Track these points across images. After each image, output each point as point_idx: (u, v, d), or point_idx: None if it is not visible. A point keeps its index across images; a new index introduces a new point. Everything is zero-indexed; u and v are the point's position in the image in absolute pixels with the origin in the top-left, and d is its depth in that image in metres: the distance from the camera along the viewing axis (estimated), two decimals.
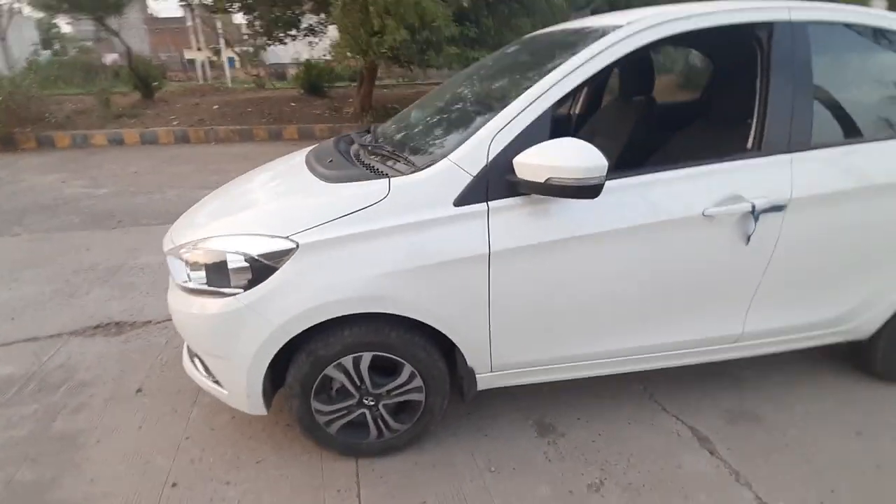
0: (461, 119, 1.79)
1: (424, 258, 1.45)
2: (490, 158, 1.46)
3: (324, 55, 11.23)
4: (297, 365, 1.55)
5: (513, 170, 1.43)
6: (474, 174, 1.46)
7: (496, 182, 1.46)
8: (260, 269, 1.44)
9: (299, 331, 1.47)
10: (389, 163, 1.67)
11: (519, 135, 1.46)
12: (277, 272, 1.43)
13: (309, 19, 7.84)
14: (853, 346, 2.07)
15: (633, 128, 2.30)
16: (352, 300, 1.45)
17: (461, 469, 1.72)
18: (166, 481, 1.67)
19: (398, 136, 1.94)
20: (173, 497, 1.61)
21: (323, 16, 7.92)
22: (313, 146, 2.23)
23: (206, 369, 1.67)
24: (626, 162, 2.00)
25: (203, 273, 1.53)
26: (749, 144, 1.68)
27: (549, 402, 2.02)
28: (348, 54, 5.97)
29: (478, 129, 1.50)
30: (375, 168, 1.64)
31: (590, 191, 1.32)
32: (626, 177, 1.55)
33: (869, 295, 1.88)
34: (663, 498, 1.61)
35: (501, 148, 1.46)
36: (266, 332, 1.46)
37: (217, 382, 1.64)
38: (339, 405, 1.64)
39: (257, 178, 2.05)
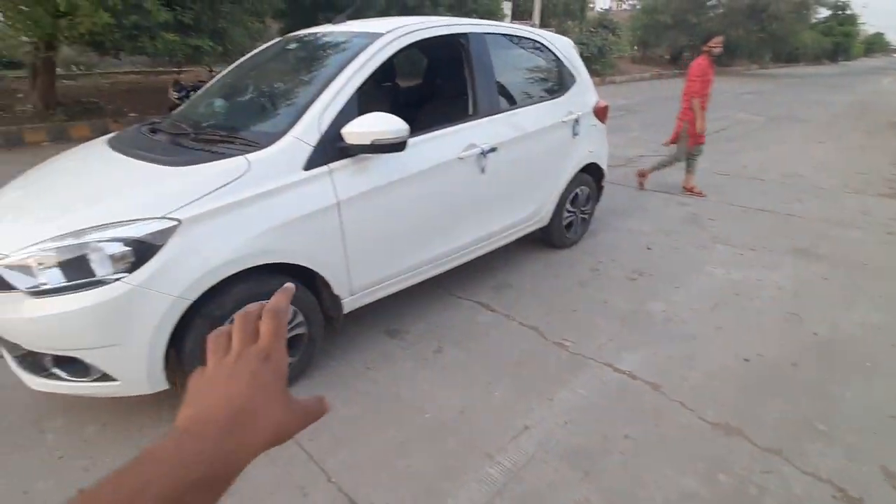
0: (278, 103, 2.17)
1: (291, 213, 1.86)
2: (322, 131, 1.95)
3: None
4: (194, 330, 1.73)
5: (341, 138, 1.96)
6: (313, 144, 1.93)
7: (331, 148, 1.97)
8: (143, 250, 1.58)
9: (197, 296, 1.68)
10: (224, 144, 1.94)
11: (339, 112, 1.99)
12: (163, 249, 1.60)
13: None
14: (543, 230, 3.41)
15: (389, 104, 3.05)
16: (241, 258, 1.74)
17: (347, 375, 2.23)
18: (66, 494, 1.61)
19: (219, 121, 2.16)
20: None
21: None
22: (109, 137, 2.19)
23: (78, 371, 1.66)
24: None
25: (58, 271, 1.54)
26: (470, 111, 2.63)
27: (388, 316, 2.68)
28: (24, 38, 4.82)
29: (306, 109, 1.95)
30: (216, 150, 1.89)
31: (400, 146, 1.98)
32: (412, 137, 2.26)
33: (543, 198, 3.18)
34: (476, 341, 2.50)
35: (328, 123, 1.97)
36: (164, 305, 1.62)
37: (103, 377, 1.66)
38: None
39: (62, 175, 1.93)
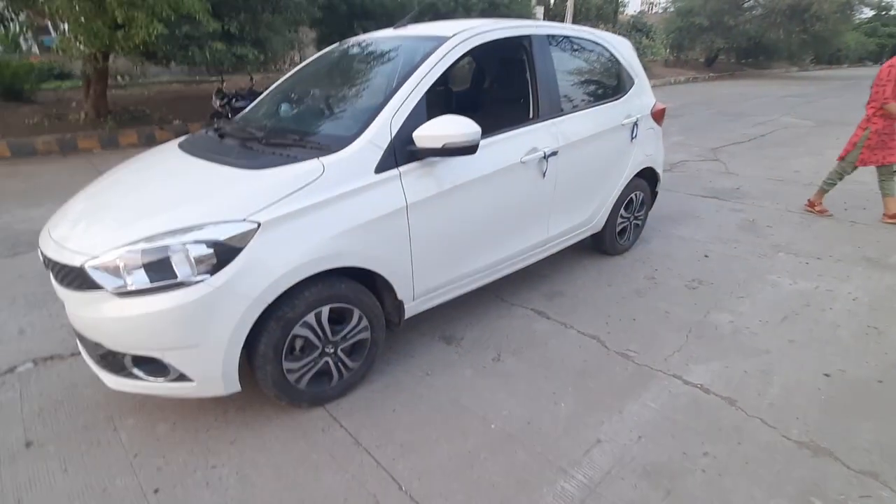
0: (348, 106, 2.17)
1: (363, 216, 1.85)
2: (393, 135, 1.93)
3: (4, 49, 8.77)
4: (268, 332, 1.73)
5: (412, 141, 1.94)
6: (384, 147, 1.91)
7: (401, 152, 1.95)
8: (225, 252, 1.58)
9: (274, 298, 1.67)
10: (296, 148, 1.95)
11: (409, 115, 1.97)
12: (243, 251, 1.61)
13: None
14: (594, 237, 3.32)
15: (447, 108, 3.02)
16: (316, 260, 1.73)
17: (407, 381, 2.20)
18: (143, 492, 1.63)
19: (288, 126, 2.17)
20: (163, 500, 1.61)
21: (7, 2, 6.24)
22: (180, 141, 2.23)
23: (156, 371, 1.67)
24: None
25: (143, 273, 1.56)
26: (532, 114, 2.58)
27: (443, 322, 2.64)
28: (82, 48, 5.03)
29: (377, 112, 1.94)
30: (289, 154, 1.90)
31: (472, 149, 1.94)
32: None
33: (600, 202, 3.10)
34: (535, 350, 2.44)
35: (399, 126, 1.95)
36: (243, 307, 1.62)
37: (180, 378, 1.67)
38: (307, 359, 1.89)
39: (140, 178, 1.98)
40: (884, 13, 32.94)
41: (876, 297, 2.96)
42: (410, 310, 2.20)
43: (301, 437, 1.88)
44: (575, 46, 2.92)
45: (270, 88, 2.72)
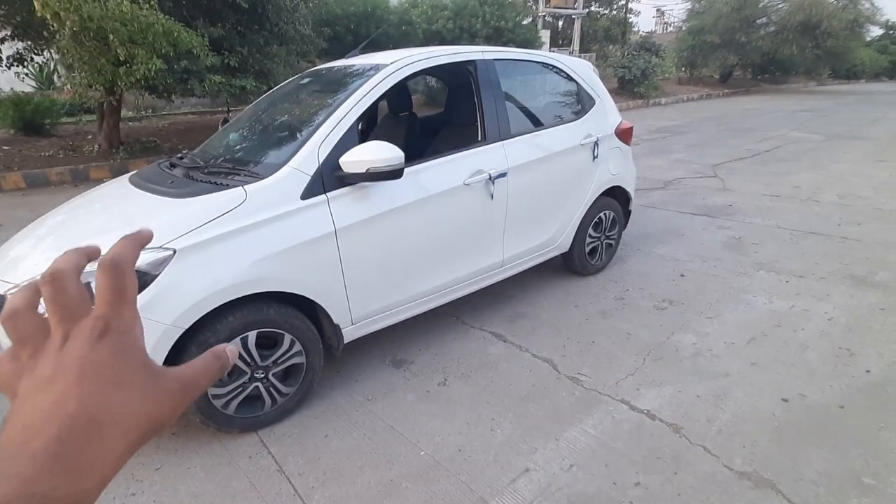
0: (283, 135, 2.24)
1: (287, 242, 1.88)
2: (320, 161, 1.98)
3: (39, 85, 9.35)
4: (188, 357, 1.76)
5: (339, 167, 1.98)
6: (311, 174, 1.95)
7: (328, 178, 1.99)
8: (139, 279, 1.63)
9: (190, 323, 1.70)
10: (230, 176, 2.01)
11: (337, 142, 2.02)
12: (159, 278, 1.65)
13: (12, 46, 6.49)
14: (564, 256, 3.28)
15: (405, 133, 3.08)
16: (236, 285, 1.77)
17: (346, 406, 2.18)
18: None
19: (230, 155, 2.25)
20: None
21: (29, 43, 6.71)
22: (131, 174, 2.32)
23: None
24: (409, 156, 2.74)
25: None
26: (479, 137, 2.60)
27: (395, 345, 2.63)
28: (89, 86, 5.34)
29: (305, 140, 2.00)
30: (220, 182, 1.96)
31: (396, 173, 1.97)
32: (412, 165, 2.26)
33: (562, 223, 3.07)
34: (484, 374, 2.40)
35: (327, 153, 1.99)
36: (158, 333, 1.65)
37: None
38: (234, 385, 1.90)
39: (79, 210, 2.07)
40: (892, 31, 32.36)
41: (855, 316, 2.82)
42: (349, 334, 2.20)
43: (227, 464, 1.88)
44: (526, 70, 2.95)
45: (232, 120, 2.82)
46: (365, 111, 2.12)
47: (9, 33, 6.22)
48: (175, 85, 5.81)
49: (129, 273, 0.32)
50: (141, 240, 0.33)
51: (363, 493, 1.73)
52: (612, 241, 3.52)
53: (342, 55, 10.98)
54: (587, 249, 3.31)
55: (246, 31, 7.02)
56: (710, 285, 3.27)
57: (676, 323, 2.82)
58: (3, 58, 6.49)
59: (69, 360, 0.29)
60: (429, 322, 2.78)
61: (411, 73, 2.30)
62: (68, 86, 5.63)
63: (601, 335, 2.72)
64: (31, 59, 6.90)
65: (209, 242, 1.73)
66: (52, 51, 6.80)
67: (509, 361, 2.50)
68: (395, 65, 2.26)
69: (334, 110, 2.06)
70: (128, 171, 7.22)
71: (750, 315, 2.87)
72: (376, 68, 2.26)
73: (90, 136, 7.86)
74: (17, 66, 6.56)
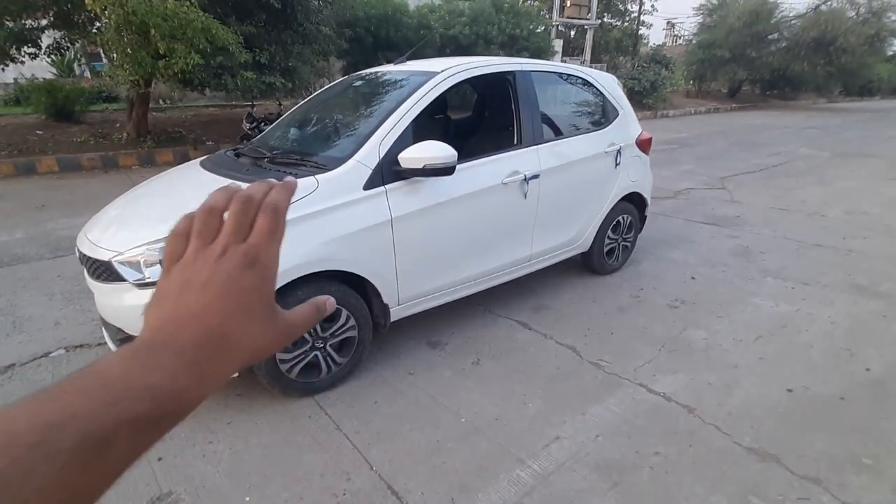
0: (345, 132, 2.47)
1: (351, 227, 2.11)
2: (381, 156, 2.21)
3: (60, 73, 9.63)
4: None
5: (397, 163, 2.21)
6: (372, 167, 2.18)
7: (387, 172, 2.22)
8: None
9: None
10: (298, 167, 2.24)
11: (396, 140, 2.25)
12: None
13: (51, 35, 6.74)
14: (584, 255, 3.51)
15: (441, 134, 3.31)
16: (308, 262, 1.99)
17: (391, 379, 2.41)
18: (148, 461, 1.87)
19: (294, 148, 2.48)
20: (165, 468, 1.85)
21: (65, 32, 6.95)
22: (201, 160, 2.55)
23: None
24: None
25: (159, 268, 1.84)
26: (515, 141, 2.83)
27: (429, 329, 2.85)
28: (128, 75, 5.58)
29: (368, 137, 2.23)
30: (291, 172, 2.19)
31: (450, 170, 2.20)
32: (460, 163, 2.49)
33: (584, 224, 3.29)
34: (513, 356, 2.62)
35: (387, 149, 2.22)
36: None
37: None
38: (298, 351, 2.13)
39: (165, 190, 2.31)
40: None
41: (857, 321, 3.03)
42: (396, 313, 2.43)
43: (289, 421, 2.10)
44: (559, 81, 3.18)
45: (284, 115, 3.05)
46: (421, 112, 2.35)
47: (47, 23, 6.47)
48: (209, 79, 6.06)
49: (283, 216, 0.36)
50: (292, 187, 0.38)
51: (414, 450, 1.96)
52: (629, 244, 3.74)
53: (361, 56, 11.20)
54: (605, 250, 3.54)
55: (273, 30, 7.28)
56: (720, 288, 3.49)
57: (688, 320, 3.03)
58: (43, 46, 6.76)
59: (223, 276, 0.32)
60: (460, 309, 3.01)
61: (461, 80, 2.53)
62: (109, 76, 5.86)
63: (619, 327, 2.94)
64: (68, 49, 7.16)
65: (289, 223, 1.94)
66: (84, 41, 7.05)
67: (536, 346, 2.73)
68: (447, 72, 2.49)
69: (393, 111, 2.29)
70: (155, 160, 7.52)
71: (757, 316, 3.09)
72: (429, 74, 2.50)
73: (118, 125, 8.12)
74: (55, 55, 6.81)
